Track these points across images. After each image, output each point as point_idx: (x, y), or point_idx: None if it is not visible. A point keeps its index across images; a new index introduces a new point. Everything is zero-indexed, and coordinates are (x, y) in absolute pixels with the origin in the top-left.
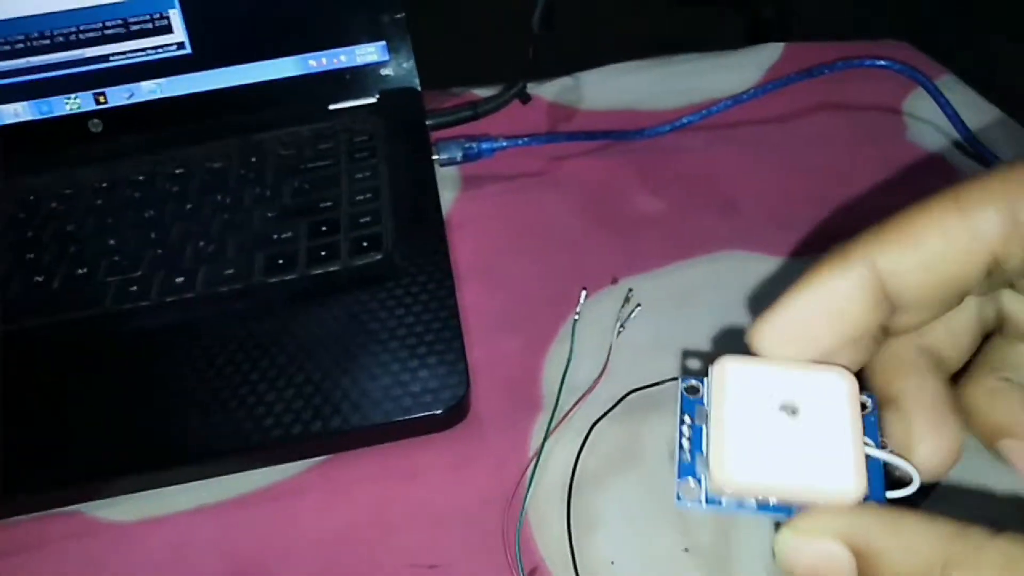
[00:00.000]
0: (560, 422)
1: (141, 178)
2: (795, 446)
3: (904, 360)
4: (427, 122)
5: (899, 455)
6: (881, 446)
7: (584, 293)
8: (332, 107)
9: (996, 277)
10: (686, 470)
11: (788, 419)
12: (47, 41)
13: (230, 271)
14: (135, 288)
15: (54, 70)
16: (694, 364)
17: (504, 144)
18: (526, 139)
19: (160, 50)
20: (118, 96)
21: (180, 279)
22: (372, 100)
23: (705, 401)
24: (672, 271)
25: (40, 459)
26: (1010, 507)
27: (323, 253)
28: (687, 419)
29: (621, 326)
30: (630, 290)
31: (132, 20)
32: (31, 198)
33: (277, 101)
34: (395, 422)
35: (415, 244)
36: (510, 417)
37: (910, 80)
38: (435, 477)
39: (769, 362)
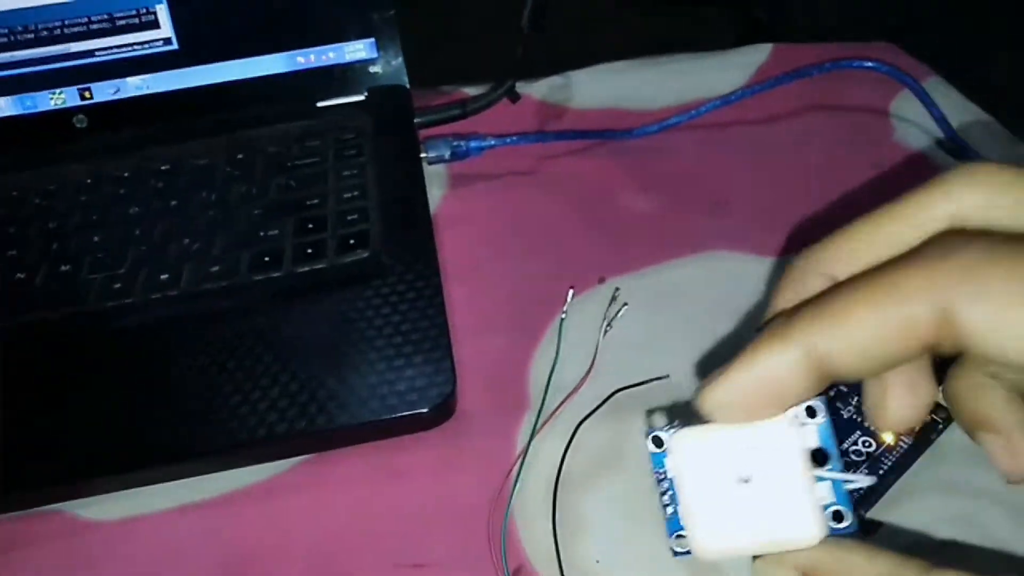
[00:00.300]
0: (546, 421)
1: (126, 175)
2: (756, 509)
3: None
4: (415, 120)
5: (849, 474)
6: (836, 450)
7: (571, 292)
8: (320, 104)
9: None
10: (673, 525)
11: (745, 485)
12: (31, 35)
13: (216, 268)
14: (119, 285)
15: (38, 65)
16: (659, 421)
17: (493, 143)
18: (515, 138)
19: (146, 46)
20: (104, 92)
21: (165, 276)
22: (360, 97)
23: (674, 476)
24: (659, 271)
25: (22, 458)
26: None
27: (309, 251)
28: (660, 473)
29: (608, 325)
30: (617, 289)
31: (118, 15)
32: (14, 194)
33: (264, 98)
34: (381, 421)
35: (402, 242)
36: (496, 416)
37: (897, 82)
38: (421, 476)
39: (719, 428)
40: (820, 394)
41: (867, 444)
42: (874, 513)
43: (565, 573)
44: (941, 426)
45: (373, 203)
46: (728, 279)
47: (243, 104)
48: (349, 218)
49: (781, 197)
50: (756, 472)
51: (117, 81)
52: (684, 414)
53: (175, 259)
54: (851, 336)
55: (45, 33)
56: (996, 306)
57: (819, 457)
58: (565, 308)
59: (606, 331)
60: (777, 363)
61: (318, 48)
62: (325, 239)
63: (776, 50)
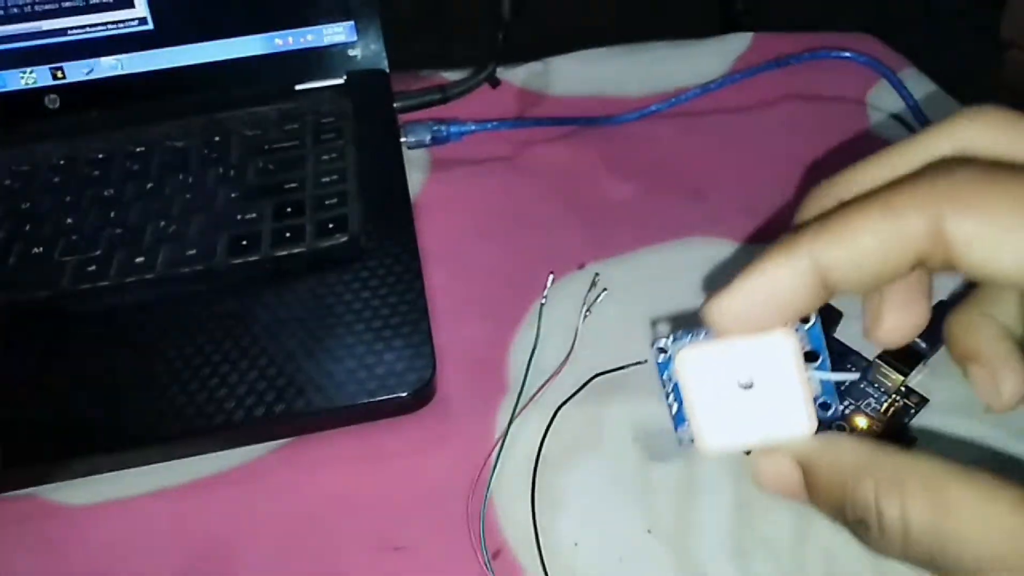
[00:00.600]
0: (526, 405)
1: (100, 156)
2: (754, 408)
3: None
4: (395, 104)
5: (836, 373)
6: (825, 351)
7: (551, 277)
8: (298, 87)
9: (922, 269)
10: (679, 420)
11: (745, 388)
12: (1, 12)
13: (192, 252)
14: (93, 268)
15: (8, 43)
16: (664, 330)
17: (473, 128)
18: (495, 123)
19: (121, 25)
20: (76, 71)
21: (140, 259)
22: (339, 81)
23: (679, 382)
24: (638, 256)
25: None
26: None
27: (288, 234)
28: (664, 378)
29: (587, 310)
30: (596, 274)
31: None
32: None
33: (242, 80)
34: (360, 405)
35: (382, 226)
36: (476, 400)
37: (874, 72)
38: (400, 460)
39: (720, 341)
40: None
41: (840, 428)
42: None
43: (544, 555)
44: (913, 411)
45: (352, 187)
46: (706, 265)
47: (220, 86)
48: (328, 202)
49: (759, 184)
50: (755, 378)
51: (90, 61)
52: (688, 323)
53: (151, 242)
54: (850, 248)
55: (15, 10)
56: (985, 221)
57: (810, 357)
58: (545, 293)
59: (585, 316)
60: (782, 274)
61: (296, 30)
62: (303, 223)
63: (756, 39)
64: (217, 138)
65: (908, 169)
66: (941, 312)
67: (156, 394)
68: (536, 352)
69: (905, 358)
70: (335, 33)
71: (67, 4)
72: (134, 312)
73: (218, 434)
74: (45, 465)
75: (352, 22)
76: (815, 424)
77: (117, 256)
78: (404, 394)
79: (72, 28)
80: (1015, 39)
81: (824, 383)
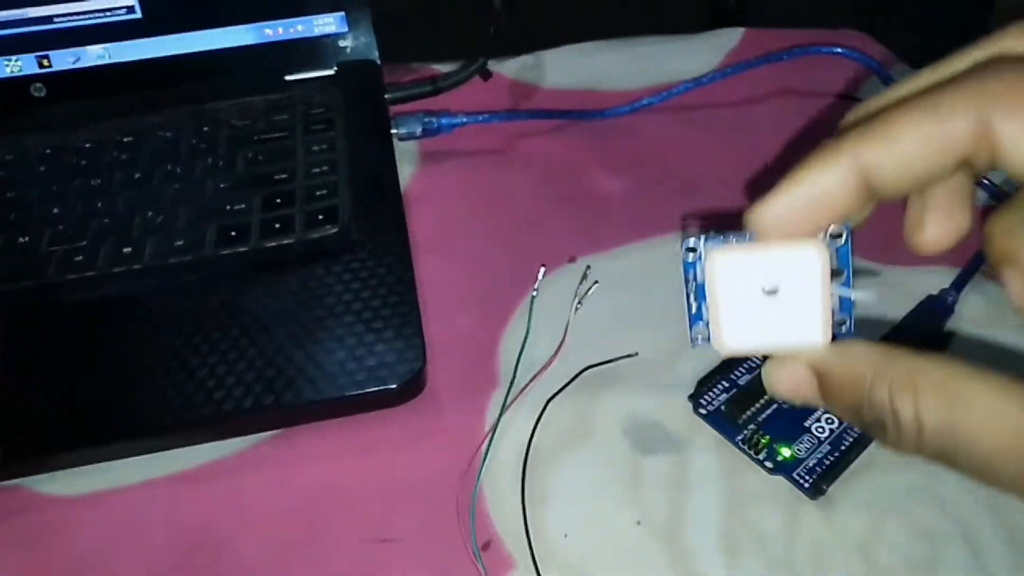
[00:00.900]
0: (516, 397)
1: (87, 145)
2: (775, 314)
3: None
4: (386, 96)
5: (856, 291)
6: (851, 272)
7: (542, 270)
8: (289, 78)
9: (966, 171)
10: (696, 319)
11: (769, 294)
12: None
13: (180, 242)
14: (80, 258)
15: None
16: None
17: (464, 120)
18: (486, 116)
19: (108, 13)
20: (63, 60)
21: (128, 250)
22: (330, 72)
23: (705, 281)
24: (629, 250)
25: None
26: None
27: (277, 225)
28: (689, 277)
29: (578, 303)
30: (588, 267)
31: None
32: None
33: (231, 70)
34: (350, 396)
35: (372, 218)
36: (466, 392)
37: (864, 68)
38: (390, 452)
39: (752, 247)
40: None
41: (830, 420)
42: (837, 486)
43: (533, 546)
44: None
45: (342, 178)
46: None
47: (209, 76)
48: (318, 193)
49: (750, 179)
50: (780, 286)
51: (77, 50)
52: (720, 226)
53: (139, 232)
54: (894, 148)
55: None
56: None
57: (833, 273)
58: (536, 286)
59: (576, 309)
60: (827, 176)
61: (286, 20)
62: (293, 214)
63: (747, 34)
64: (206, 128)
65: (954, 75)
66: (931, 304)
67: (145, 385)
68: (527, 344)
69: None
70: (326, 24)
71: None
72: (122, 303)
73: (207, 425)
74: (34, 457)
75: (343, 13)
76: (829, 338)
77: (104, 246)
78: (394, 386)
79: (59, 16)
80: None
81: (843, 300)
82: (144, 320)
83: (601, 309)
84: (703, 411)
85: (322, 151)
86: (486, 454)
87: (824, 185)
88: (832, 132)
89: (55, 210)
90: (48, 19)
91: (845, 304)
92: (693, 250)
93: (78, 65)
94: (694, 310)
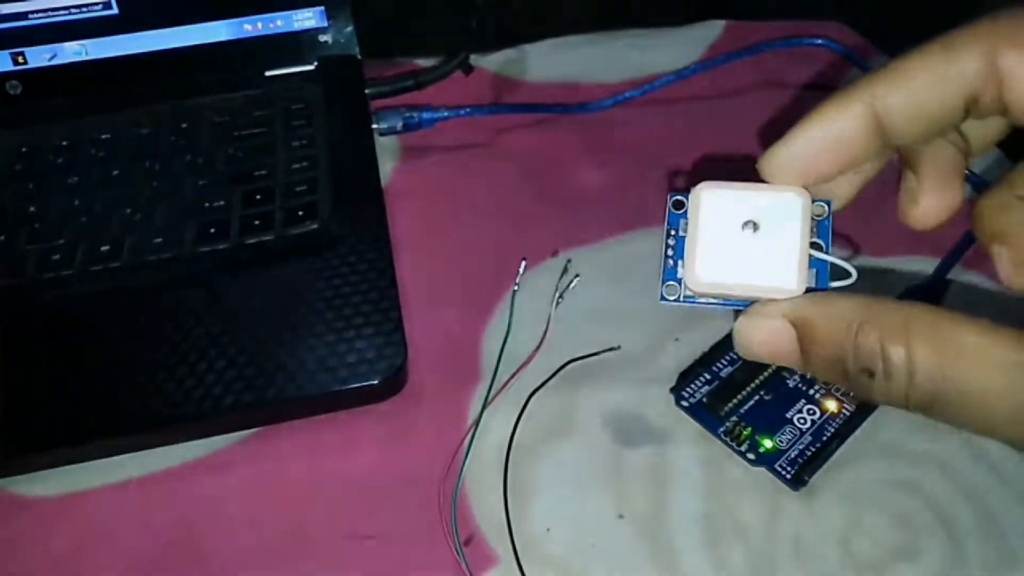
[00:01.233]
0: (498, 392)
1: (64, 143)
2: (752, 254)
3: None
4: (367, 91)
5: (841, 259)
6: (831, 246)
7: (524, 264)
8: (268, 73)
9: (973, 115)
10: (670, 275)
11: (750, 233)
12: None
13: (159, 240)
14: (57, 257)
15: None
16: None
17: (445, 114)
18: (468, 110)
19: (84, 9)
20: (39, 57)
21: (106, 248)
22: (310, 67)
23: (689, 216)
24: (611, 244)
25: None
26: None
27: (257, 222)
28: (672, 231)
29: (560, 297)
30: (569, 261)
31: None
32: None
33: (210, 66)
34: (330, 393)
35: (352, 214)
36: (448, 388)
37: (846, 60)
38: (372, 448)
39: (741, 187)
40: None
41: (811, 412)
42: (818, 477)
43: (516, 541)
44: None
45: (323, 174)
46: None
47: (187, 72)
48: (298, 189)
49: (732, 171)
50: (761, 227)
51: (53, 46)
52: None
53: (117, 230)
54: (907, 87)
55: None
56: None
57: (815, 248)
58: (518, 280)
59: (558, 303)
60: (840, 119)
61: (265, 15)
62: (273, 210)
63: (729, 27)
64: (185, 125)
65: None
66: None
67: (123, 384)
68: (509, 339)
69: None
70: (305, 18)
71: None
72: (100, 301)
73: (187, 424)
74: (11, 458)
75: (322, 7)
76: (804, 285)
77: (82, 245)
78: (375, 382)
79: (34, 12)
80: None
81: (820, 273)
82: (123, 319)
83: (583, 303)
84: (685, 403)
85: (302, 147)
86: (468, 449)
87: (838, 128)
88: None
89: (32, 208)
90: (23, 15)
91: (822, 277)
92: (680, 203)
93: (55, 62)
94: (671, 264)
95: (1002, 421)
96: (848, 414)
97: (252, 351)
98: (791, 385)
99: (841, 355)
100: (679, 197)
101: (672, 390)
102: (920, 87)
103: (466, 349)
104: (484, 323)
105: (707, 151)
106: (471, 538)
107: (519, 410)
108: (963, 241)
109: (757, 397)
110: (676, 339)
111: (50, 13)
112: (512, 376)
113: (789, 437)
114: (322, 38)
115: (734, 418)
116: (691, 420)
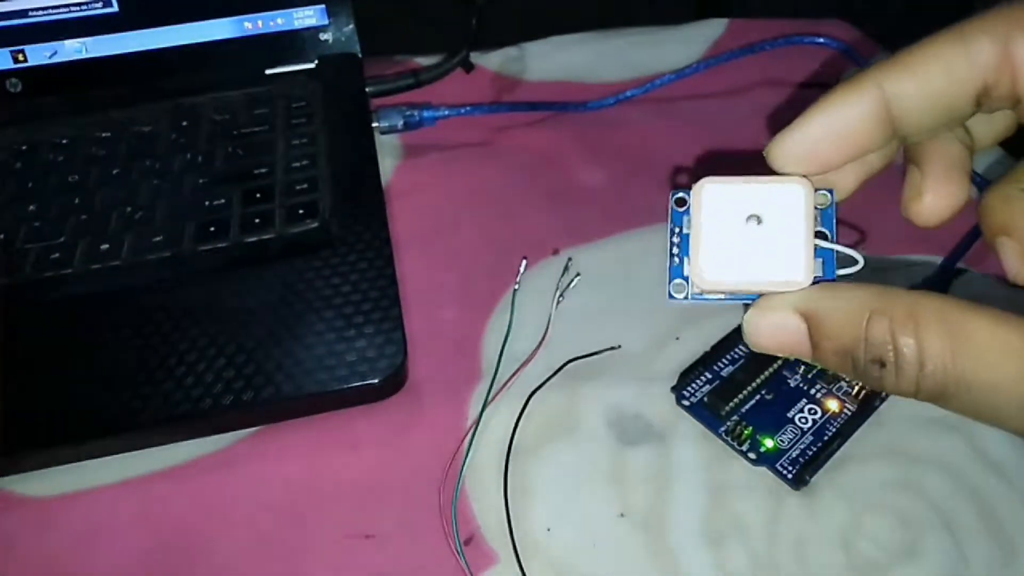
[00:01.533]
0: (499, 391)
1: (64, 141)
2: (758, 247)
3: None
4: (367, 89)
5: (847, 245)
6: (836, 234)
7: (524, 263)
8: (269, 72)
9: (984, 107)
10: (676, 272)
11: (754, 226)
12: None
13: (159, 238)
14: (57, 255)
15: None
16: (683, 181)
17: (446, 113)
18: (468, 108)
19: (84, 7)
20: (39, 55)
21: (105, 246)
22: (310, 65)
23: (691, 213)
24: (612, 242)
25: None
26: None
27: (257, 220)
28: (676, 229)
29: (560, 296)
30: (570, 260)
31: None
32: None
33: (210, 64)
34: (330, 392)
35: (353, 212)
36: (449, 387)
37: (848, 58)
38: (372, 447)
39: (742, 180)
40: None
41: (812, 411)
42: (819, 477)
43: (516, 541)
44: (884, 394)
45: (323, 172)
46: None
47: (188, 70)
48: (298, 187)
49: (734, 170)
50: (765, 221)
51: (54, 44)
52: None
53: (116, 229)
54: (918, 76)
55: None
56: None
57: (819, 236)
58: (518, 279)
59: (559, 302)
60: (849, 108)
61: (266, 14)
62: (273, 209)
63: (731, 25)
64: (185, 123)
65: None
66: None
67: (123, 383)
68: (509, 338)
69: None
70: (306, 16)
71: None
72: (99, 300)
73: (187, 423)
74: (9, 456)
75: (323, 5)
76: (811, 278)
77: (82, 243)
78: (375, 381)
79: (34, 9)
80: None
81: (827, 264)
82: (122, 317)
83: (584, 301)
84: (686, 403)
85: (302, 145)
86: (468, 448)
87: (848, 116)
88: None
89: (31, 207)
90: (23, 13)
91: (829, 266)
92: (683, 201)
93: (55, 60)
94: (676, 262)
95: (1012, 411)
96: (849, 414)
97: (252, 350)
98: (792, 384)
99: (851, 346)
100: (681, 194)
101: (673, 389)
102: (932, 76)
103: (466, 348)
104: (484, 322)
105: (709, 149)
106: (471, 538)
107: (519, 409)
108: (969, 236)
109: (758, 396)
110: (677, 338)
111: (50, 11)
112: (512, 375)
113: (790, 437)
114: (323, 36)
115: (735, 417)
116: (692, 419)
